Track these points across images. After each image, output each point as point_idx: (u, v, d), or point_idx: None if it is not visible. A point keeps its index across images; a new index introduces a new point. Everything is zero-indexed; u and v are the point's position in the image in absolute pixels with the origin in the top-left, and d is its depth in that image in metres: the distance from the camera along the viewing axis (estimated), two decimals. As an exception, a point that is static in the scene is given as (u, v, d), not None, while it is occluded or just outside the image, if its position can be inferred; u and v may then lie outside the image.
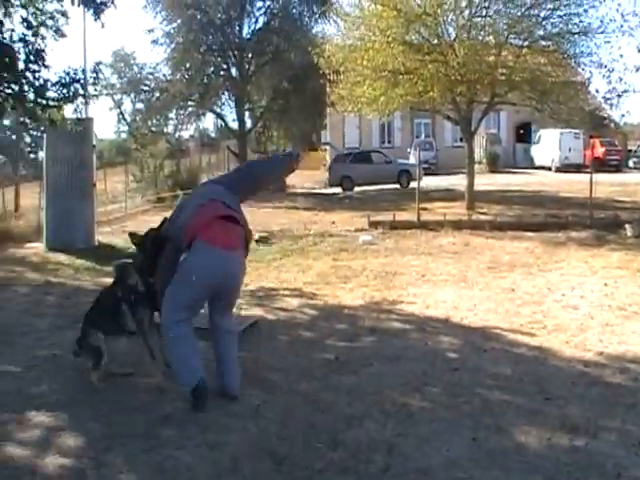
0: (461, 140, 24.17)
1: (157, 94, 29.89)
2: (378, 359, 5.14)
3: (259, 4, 29.68)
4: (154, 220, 17.04)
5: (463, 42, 15.55)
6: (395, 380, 4.67)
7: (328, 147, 36.55)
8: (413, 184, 22.05)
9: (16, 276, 9.12)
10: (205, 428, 3.83)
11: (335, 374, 4.80)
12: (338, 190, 25.94)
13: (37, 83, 9.35)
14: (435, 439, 3.70)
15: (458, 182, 21.75)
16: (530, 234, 12.02)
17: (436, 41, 16.06)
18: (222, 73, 30.07)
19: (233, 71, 29.93)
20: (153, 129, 31.32)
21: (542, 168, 33.03)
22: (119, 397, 4.34)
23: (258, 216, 17.15)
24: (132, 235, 5.03)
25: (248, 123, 31.28)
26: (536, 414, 4.04)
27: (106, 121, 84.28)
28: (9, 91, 9.26)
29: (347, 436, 3.74)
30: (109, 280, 8.69)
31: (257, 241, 12.06)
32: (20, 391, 4.47)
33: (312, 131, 35.90)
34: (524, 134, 37.14)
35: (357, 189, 25.77)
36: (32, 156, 26.11)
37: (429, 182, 22.34)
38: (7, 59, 8.86)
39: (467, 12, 16.03)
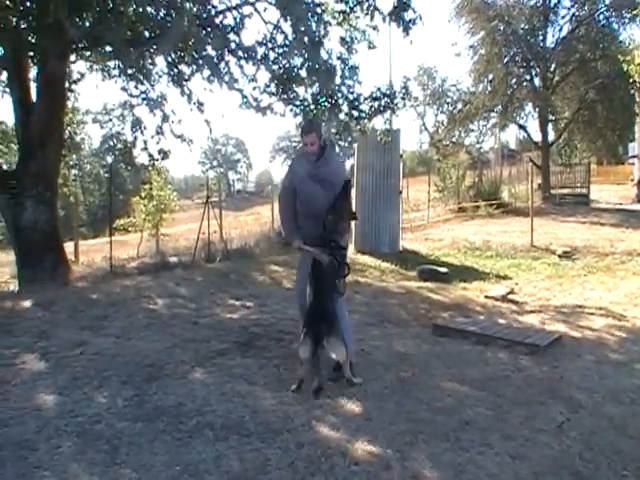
0: None
1: (459, 106, 30.28)
2: (694, 395, 4.69)
3: (563, 12, 28.78)
4: (456, 229, 17.51)
5: None
6: None
7: (636, 161, 33.78)
8: None
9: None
10: (507, 438, 3.81)
11: (644, 401, 4.49)
12: (648, 207, 23.88)
13: (351, 97, 10.21)
14: None
15: None
16: None
17: None
18: (525, 84, 29.56)
19: (536, 81, 29.26)
20: (454, 140, 31.74)
21: None
22: (422, 396, 4.49)
23: (560, 230, 16.54)
24: None
25: (551, 135, 30.29)
26: None
27: (409, 132, 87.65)
28: (326, 104, 10.25)
29: (658, 469, 3.48)
30: (412, 284, 9.15)
31: (560, 256, 11.66)
32: (335, 380, 4.81)
33: (619, 143, 33.68)
34: None
35: (671, 207, 23.41)
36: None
37: None
38: (326, 75, 9.79)
39: None
